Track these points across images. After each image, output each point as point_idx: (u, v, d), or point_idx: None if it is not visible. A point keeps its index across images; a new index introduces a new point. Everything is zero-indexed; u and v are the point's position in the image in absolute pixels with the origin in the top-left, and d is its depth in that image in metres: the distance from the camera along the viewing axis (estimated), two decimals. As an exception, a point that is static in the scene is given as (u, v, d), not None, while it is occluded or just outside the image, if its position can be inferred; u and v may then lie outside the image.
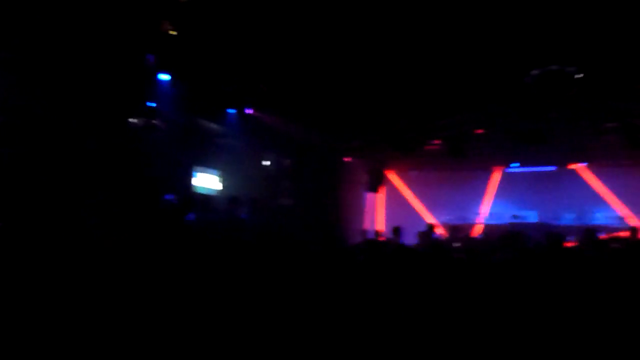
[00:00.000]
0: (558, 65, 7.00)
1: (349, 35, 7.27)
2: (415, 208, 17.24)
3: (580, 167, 15.31)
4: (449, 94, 9.28)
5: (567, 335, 4.14)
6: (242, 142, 11.35)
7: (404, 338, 3.97)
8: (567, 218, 14.82)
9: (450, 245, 9.43)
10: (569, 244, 8.48)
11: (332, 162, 14.43)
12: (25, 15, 6.71)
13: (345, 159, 15.35)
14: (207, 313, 4.42)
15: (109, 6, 6.53)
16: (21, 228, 5.48)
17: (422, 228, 9.62)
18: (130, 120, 8.58)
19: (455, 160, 13.41)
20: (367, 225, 16.22)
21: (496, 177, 16.46)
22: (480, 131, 11.52)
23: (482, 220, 16.05)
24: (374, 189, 15.89)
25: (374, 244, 9.05)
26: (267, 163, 11.78)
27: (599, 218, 14.69)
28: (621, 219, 14.50)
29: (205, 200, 8.84)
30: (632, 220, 14.14)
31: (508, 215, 15.44)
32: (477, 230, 15.47)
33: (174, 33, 7.24)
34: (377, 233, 9.86)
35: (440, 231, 14.41)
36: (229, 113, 10.79)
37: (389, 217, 17.10)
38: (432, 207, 16.86)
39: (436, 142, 12.61)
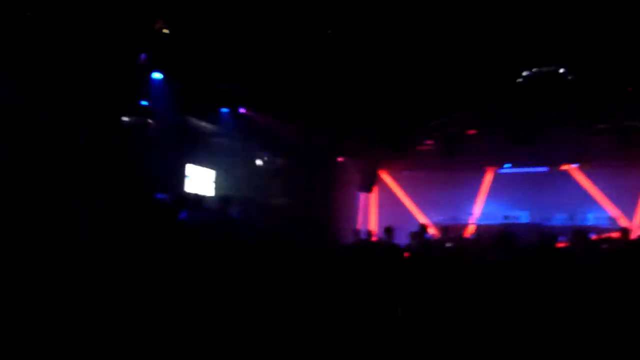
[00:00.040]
0: (550, 67, 7.04)
1: (342, 36, 7.27)
2: (408, 208, 17.27)
3: (571, 168, 15.39)
4: (441, 94, 9.30)
5: (559, 335, 4.16)
6: (235, 141, 11.33)
7: (396, 337, 3.98)
8: (559, 218, 14.89)
9: (443, 245, 9.44)
10: (560, 244, 8.52)
11: (325, 162, 14.43)
12: (17, 14, 6.67)
13: (339, 159, 15.36)
14: (199, 312, 4.41)
15: (102, 5, 6.50)
16: (12, 227, 5.45)
17: (415, 228, 9.63)
18: (123, 118, 8.54)
19: (447, 161, 13.45)
20: (359, 225, 16.24)
21: (488, 177, 16.52)
22: (472, 132, 11.56)
23: (475, 221, 16.10)
24: (367, 188, 15.91)
25: (366, 244, 9.07)
26: (260, 162, 11.76)
27: (590, 219, 14.78)
28: (612, 219, 14.60)
29: (197, 199, 8.81)
30: (623, 221, 14.24)
31: (500, 215, 15.50)
32: (470, 231, 15.51)
33: (167, 31, 7.21)
34: (369, 233, 9.86)
35: (432, 231, 14.44)
36: (222, 112, 10.76)
37: (381, 217, 17.12)
38: (424, 207, 16.90)
39: (429, 142, 12.64)
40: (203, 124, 10.51)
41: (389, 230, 9.30)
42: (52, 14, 6.70)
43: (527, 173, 15.73)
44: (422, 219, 15.97)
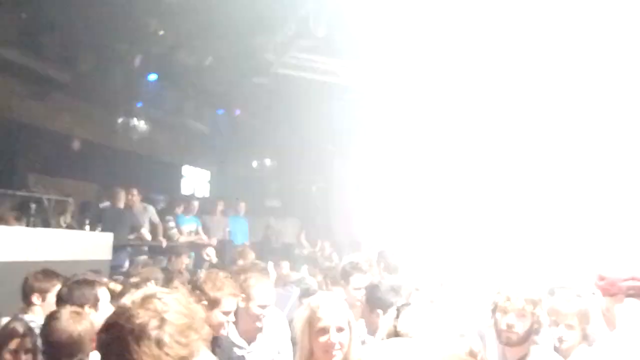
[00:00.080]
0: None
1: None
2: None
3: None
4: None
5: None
6: (230, 142, 11.30)
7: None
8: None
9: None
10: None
11: (320, 163, 14.37)
12: (13, 15, 6.67)
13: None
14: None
15: (97, 6, 6.49)
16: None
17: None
18: (118, 120, 8.52)
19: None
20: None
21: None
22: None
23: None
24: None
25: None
26: (256, 164, 11.73)
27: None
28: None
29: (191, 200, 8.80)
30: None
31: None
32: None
33: (162, 33, 7.20)
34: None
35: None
36: (218, 114, 10.73)
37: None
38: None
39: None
40: (198, 125, 10.50)
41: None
42: (48, 16, 6.69)
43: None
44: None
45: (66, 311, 2.49)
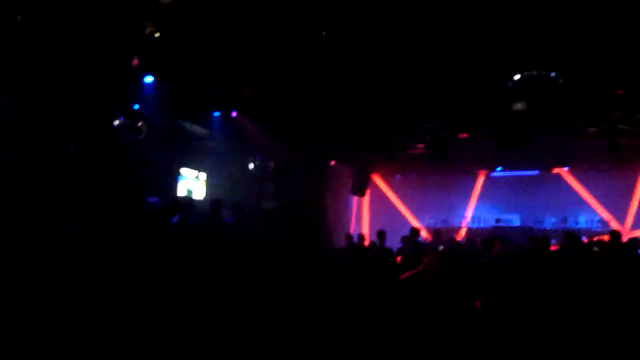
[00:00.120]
0: (540, 71, 7.08)
1: (334, 39, 7.28)
2: (401, 212, 17.32)
3: (563, 172, 15.49)
4: (433, 98, 9.33)
5: (549, 338, 4.17)
6: (227, 145, 11.31)
7: (386, 341, 3.98)
8: (550, 222, 14.98)
9: (435, 249, 9.46)
10: (552, 248, 8.57)
11: (318, 166, 14.44)
12: (8, 18, 6.63)
13: (331, 163, 15.37)
14: (191, 316, 4.39)
15: (93, 8, 6.48)
16: (3, 232, 5.41)
17: (407, 232, 9.66)
18: (114, 122, 8.50)
19: (439, 165, 13.50)
20: (352, 229, 16.26)
21: (480, 181, 16.59)
22: (464, 136, 11.60)
23: (467, 224, 16.18)
24: (360, 192, 15.93)
25: (357, 249, 9.07)
26: (252, 166, 11.73)
27: (582, 222, 14.88)
28: (604, 222, 14.70)
29: (189, 203, 8.76)
30: (614, 224, 14.33)
31: (492, 219, 15.57)
32: (462, 234, 15.56)
33: (158, 35, 7.19)
34: (362, 237, 9.87)
35: (424, 235, 14.48)
36: (214, 116, 10.74)
37: (374, 221, 17.16)
38: (417, 211, 16.97)
39: (420, 146, 12.68)
40: (195, 127, 10.48)
41: (381, 234, 9.31)
42: (44, 18, 6.67)
43: (519, 176, 15.83)
44: (414, 222, 16.01)
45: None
